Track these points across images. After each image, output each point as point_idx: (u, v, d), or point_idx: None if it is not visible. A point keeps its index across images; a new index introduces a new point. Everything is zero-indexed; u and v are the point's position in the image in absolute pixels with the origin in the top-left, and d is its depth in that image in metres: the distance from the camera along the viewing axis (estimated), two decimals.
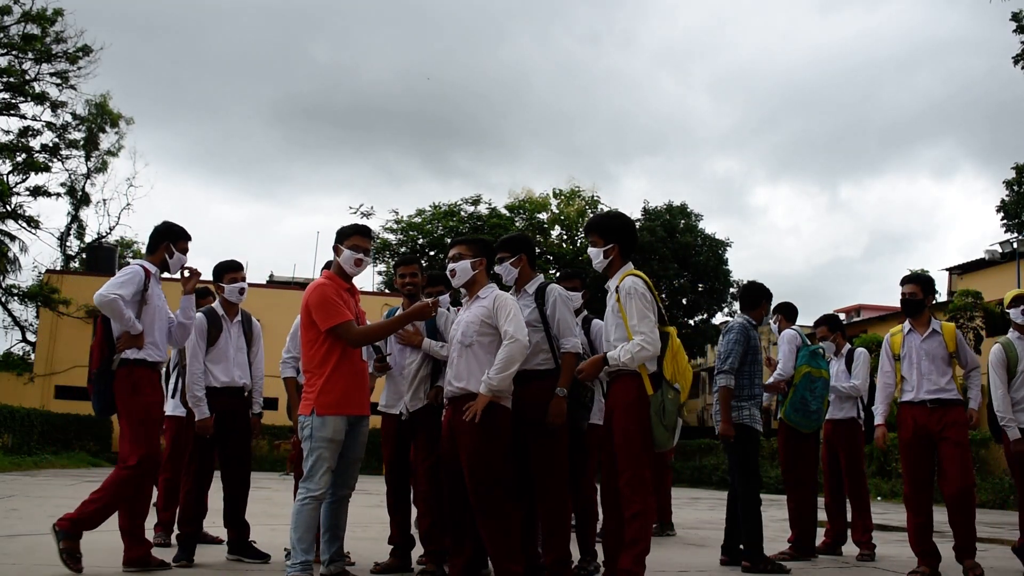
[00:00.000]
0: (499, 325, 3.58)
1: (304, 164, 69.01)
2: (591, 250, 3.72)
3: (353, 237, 3.71)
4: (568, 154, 63.85)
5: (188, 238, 4.18)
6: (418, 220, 28.91)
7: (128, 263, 4.28)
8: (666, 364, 3.55)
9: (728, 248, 29.04)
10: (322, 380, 3.52)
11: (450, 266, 3.76)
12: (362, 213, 28.13)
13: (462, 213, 28.94)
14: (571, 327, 3.80)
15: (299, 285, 28.12)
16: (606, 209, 29.68)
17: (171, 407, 5.03)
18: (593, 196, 30.92)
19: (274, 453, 21.55)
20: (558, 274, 5.27)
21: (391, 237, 28.68)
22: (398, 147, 69.69)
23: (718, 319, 29.07)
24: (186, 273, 4.17)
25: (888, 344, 4.78)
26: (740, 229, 68.12)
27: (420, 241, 28.52)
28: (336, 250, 3.72)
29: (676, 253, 28.03)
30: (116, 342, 3.87)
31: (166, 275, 4.19)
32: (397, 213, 29.03)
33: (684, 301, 28.52)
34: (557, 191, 31.14)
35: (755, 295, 5.03)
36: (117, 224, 33.41)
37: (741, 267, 74.42)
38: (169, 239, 4.13)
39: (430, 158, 68.54)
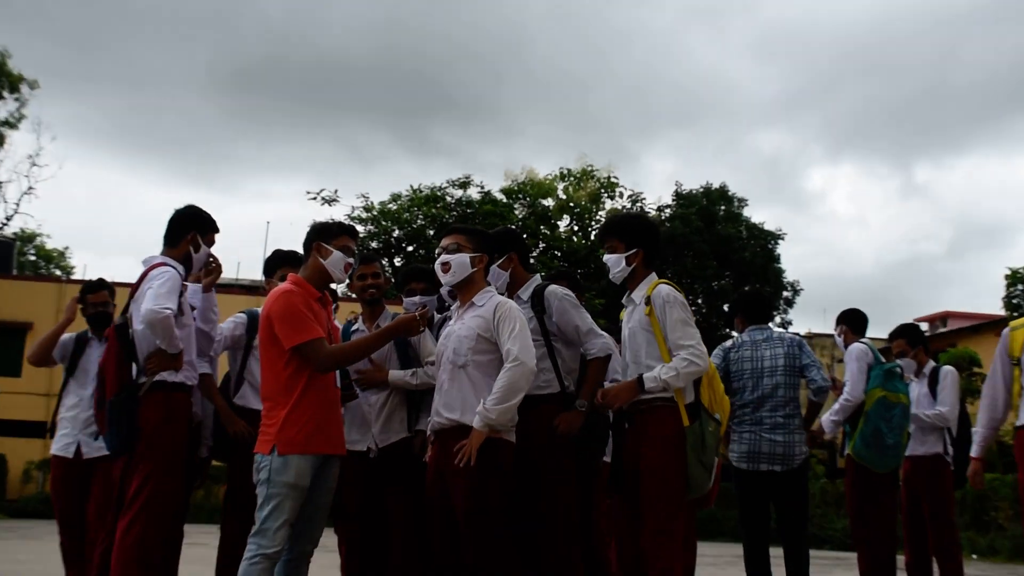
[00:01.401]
0: (500, 342, 3.61)
1: (251, 141, 70.19)
2: (609, 257, 3.91)
3: (342, 237, 3.79)
4: (578, 127, 63.39)
5: (217, 229, 4.22)
6: (393, 207, 28.78)
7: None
8: (703, 390, 3.71)
9: (780, 241, 29.13)
10: (286, 410, 3.54)
11: (444, 258, 3.79)
12: (323, 199, 27.91)
13: (448, 199, 28.84)
14: (593, 328, 3.91)
15: (244, 288, 27.96)
16: (626, 193, 30.37)
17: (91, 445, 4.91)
18: (609, 177, 30.99)
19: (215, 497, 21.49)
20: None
21: (360, 228, 28.02)
22: (367, 119, 70.25)
23: None
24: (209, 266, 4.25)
25: (1007, 343, 4.32)
26: (793, 220, 68.60)
27: (396, 233, 28.49)
28: (319, 250, 3.78)
29: (715, 248, 27.91)
30: (145, 361, 3.89)
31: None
32: (367, 199, 29.02)
33: (726, 308, 28.35)
34: (565, 172, 31.22)
35: (768, 307, 5.50)
36: (16, 213, 33.38)
37: (796, 266, 74.45)
38: (197, 228, 4.14)
39: (407, 132, 68.51)
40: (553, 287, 4.02)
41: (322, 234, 3.78)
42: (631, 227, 3.93)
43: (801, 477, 4.96)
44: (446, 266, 3.77)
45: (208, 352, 4.35)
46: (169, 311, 3.77)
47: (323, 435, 3.60)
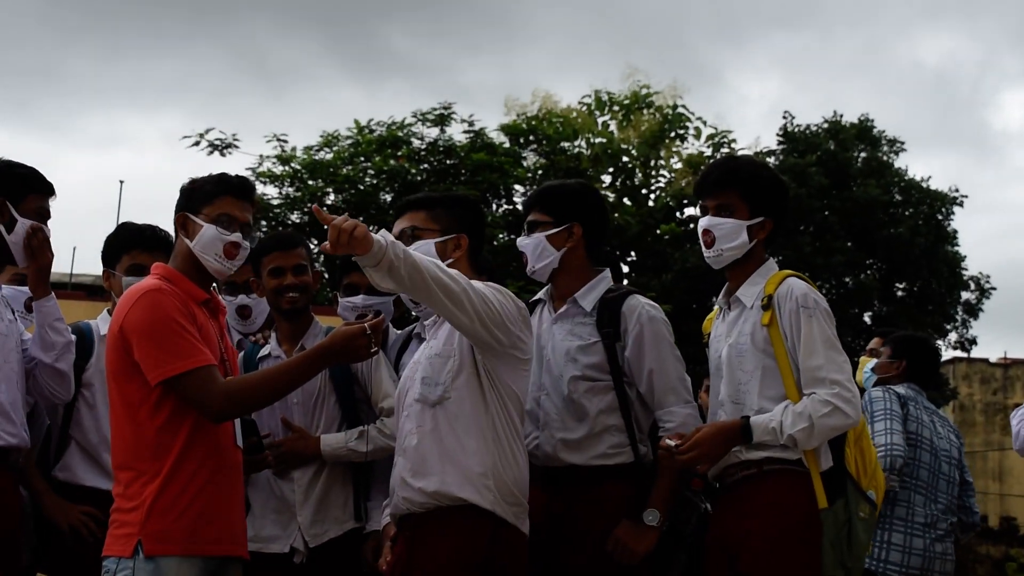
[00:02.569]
0: None
1: (92, 53, 70.25)
2: (720, 222, 4.10)
3: (221, 200, 3.97)
4: (623, 30, 63.43)
5: (47, 189, 4.53)
6: (326, 156, 29.33)
7: None
8: (848, 449, 3.97)
9: (956, 209, 29.09)
10: (155, 486, 3.66)
11: None
12: (212, 144, 27.84)
13: (415, 142, 29.33)
14: (679, 385, 4.21)
15: (84, 289, 27.81)
16: (704, 132, 30.65)
17: None
18: (676, 106, 31.43)
19: None
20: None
21: (271, 191, 28.84)
22: (280, 18, 70.45)
23: (941, 350, 28.81)
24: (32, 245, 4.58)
25: None
26: (977, 174, 68.50)
27: (332, 198, 28.84)
28: (182, 224, 3.99)
29: (850, 219, 28.06)
30: None
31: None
32: (283, 143, 29.03)
33: (867, 318, 28.43)
34: (604, 98, 31.73)
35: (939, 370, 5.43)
36: None
37: (982, 249, 74.24)
38: (5, 193, 4.38)
39: (346, 38, 70.17)
40: (639, 300, 4.27)
41: (188, 199, 3.97)
42: (762, 182, 4.16)
43: None
44: None
45: (63, 396, 4.60)
46: None
47: (216, 525, 3.73)
